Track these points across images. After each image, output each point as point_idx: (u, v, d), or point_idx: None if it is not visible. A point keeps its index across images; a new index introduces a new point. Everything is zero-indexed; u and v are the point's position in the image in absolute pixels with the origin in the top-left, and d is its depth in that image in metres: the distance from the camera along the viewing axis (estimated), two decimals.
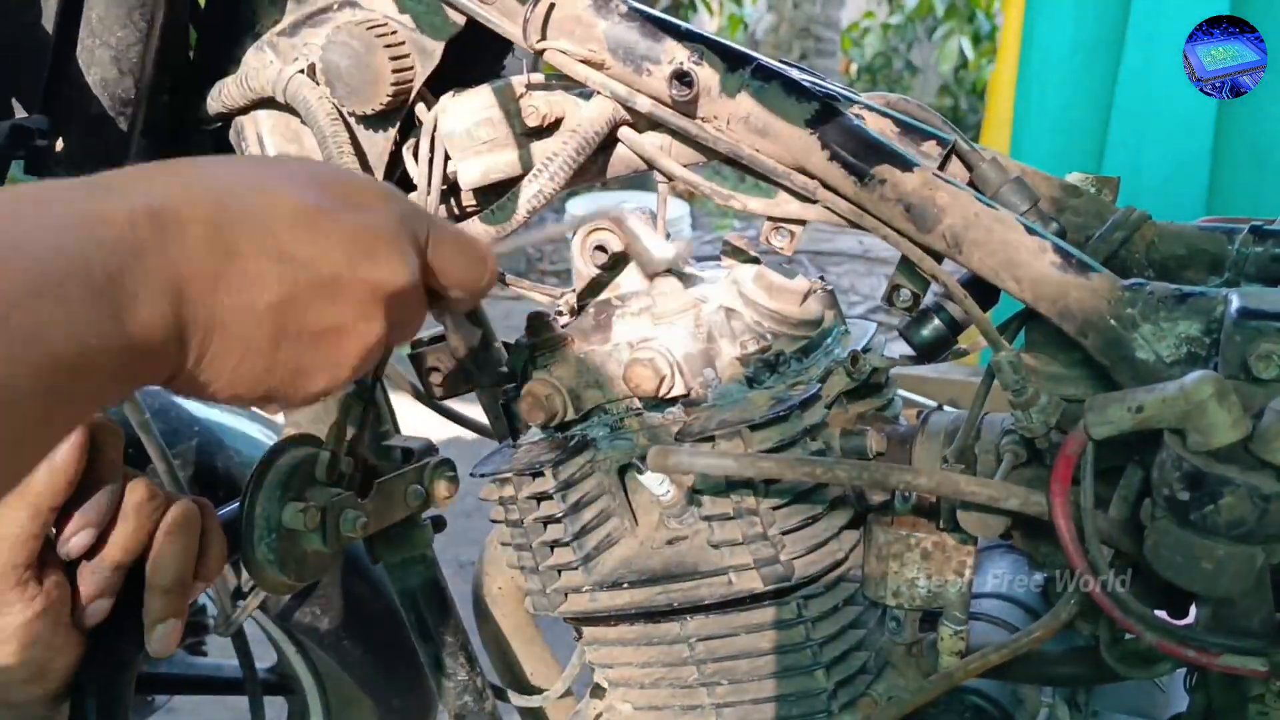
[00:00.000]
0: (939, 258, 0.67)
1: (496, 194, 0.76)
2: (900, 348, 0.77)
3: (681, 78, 0.69)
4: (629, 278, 0.77)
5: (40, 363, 0.39)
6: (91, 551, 0.60)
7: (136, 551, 0.60)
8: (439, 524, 0.92)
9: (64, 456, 0.55)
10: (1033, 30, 2.98)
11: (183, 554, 0.62)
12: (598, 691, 0.85)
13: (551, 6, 0.71)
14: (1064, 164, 0.76)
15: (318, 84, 0.76)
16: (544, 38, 0.72)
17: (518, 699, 0.96)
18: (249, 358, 0.49)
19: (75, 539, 0.58)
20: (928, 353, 0.75)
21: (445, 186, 0.78)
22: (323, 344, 0.52)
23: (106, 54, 0.73)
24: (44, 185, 0.45)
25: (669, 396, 0.72)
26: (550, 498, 0.74)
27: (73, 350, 0.40)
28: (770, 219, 0.73)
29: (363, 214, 0.53)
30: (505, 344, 0.92)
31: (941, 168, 0.71)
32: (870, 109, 0.73)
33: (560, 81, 0.75)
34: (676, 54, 0.70)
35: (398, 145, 0.79)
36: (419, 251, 0.56)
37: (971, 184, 0.72)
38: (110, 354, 0.42)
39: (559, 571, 0.76)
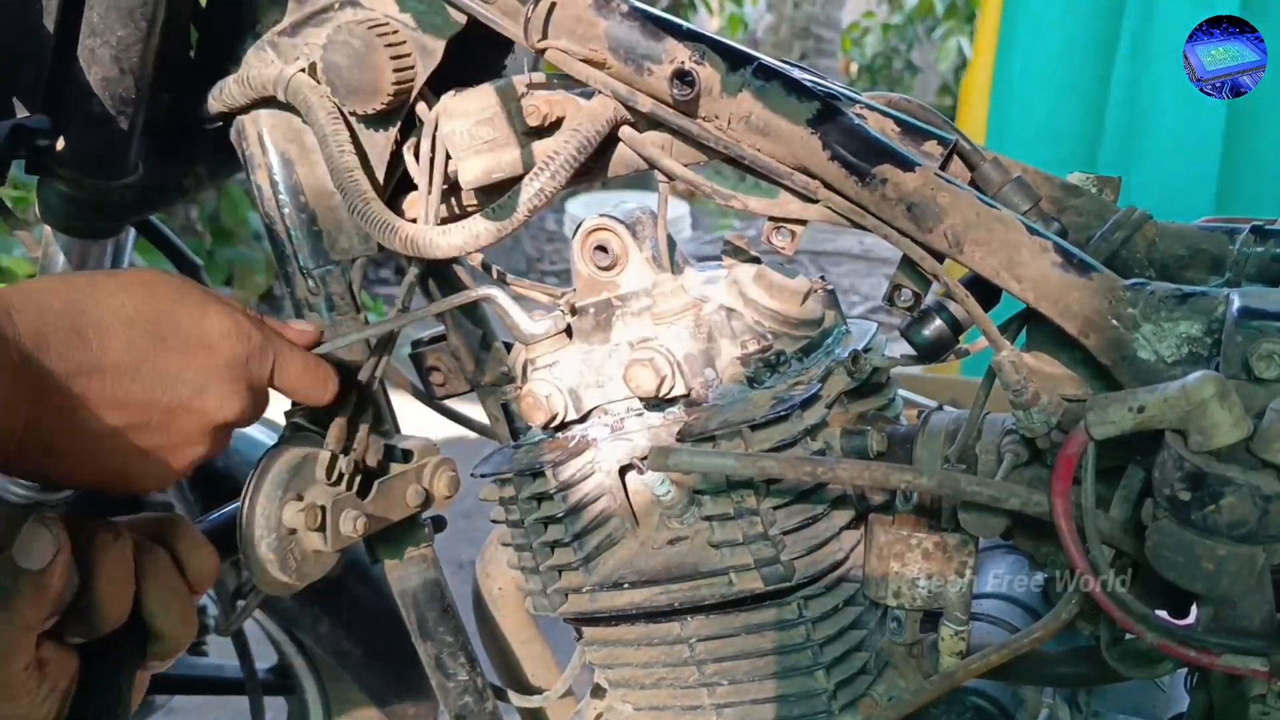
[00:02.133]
0: (940, 257, 0.67)
1: (497, 193, 0.75)
2: (901, 348, 0.77)
3: (683, 77, 0.69)
4: (629, 277, 0.77)
5: None
6: None
7: (128, 608, 0.63)
8: (439, 524, 0.91)
9: (47, 578, 0.57)
10: (1013, 29, 2.80)
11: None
12: (598, 692, 0.85)
13: (553, 6, 0.71)
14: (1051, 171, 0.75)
15: (319, 83, 0.76)
16: (545, 37, 0.71)
17: (518, 699, 0.96)
18: (88, 458, 0.60)
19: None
20: (929, 353, 0.75)
21: (446, 186, 0.78)
22: (152, 457, 0.62)
23: (107, 53, 0.73)
24: None
25: (669, 396, 0.72)
26: (550, 498, 0.74)
27: None
28: (771, 219, 0.73)
29: (205, 355, 0.63)
30: (505, 344, 0.92)
31: (943, 167, 0.71)
32: (871, 108, 0.73)
33: (561, 81, 0.75)
34: (678, 53, 0.70)
35: (398, 144, 0.79)
36: (258, 386, 0.67)
37: (973, 184, 0.72)
38: None
39: (559, 572, 0.76)
